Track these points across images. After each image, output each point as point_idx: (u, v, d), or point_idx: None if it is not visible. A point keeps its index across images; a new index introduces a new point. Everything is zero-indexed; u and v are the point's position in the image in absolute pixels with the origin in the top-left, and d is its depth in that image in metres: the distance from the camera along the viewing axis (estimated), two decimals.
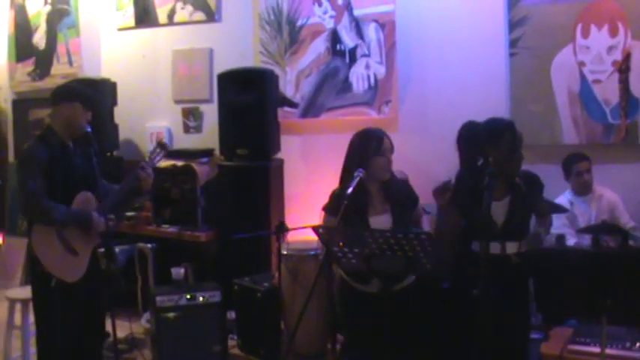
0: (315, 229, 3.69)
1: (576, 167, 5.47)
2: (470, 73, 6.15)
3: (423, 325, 4.13)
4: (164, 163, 6.08)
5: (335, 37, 6.59)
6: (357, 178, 3.99)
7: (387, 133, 4.25)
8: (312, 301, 5.20)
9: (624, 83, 5.72)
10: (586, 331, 4.18)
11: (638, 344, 4.10)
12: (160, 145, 4.75)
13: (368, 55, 6.47)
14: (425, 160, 6.04)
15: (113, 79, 7.41)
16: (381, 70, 6.43)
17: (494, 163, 4.00)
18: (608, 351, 3.77)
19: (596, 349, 3.64)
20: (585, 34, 5.77)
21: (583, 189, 5.49)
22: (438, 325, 4.44)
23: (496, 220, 3.99)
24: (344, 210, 3.85)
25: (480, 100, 6.04)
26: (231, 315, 5.93)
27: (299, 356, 5.55)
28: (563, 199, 5.46)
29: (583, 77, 5.81)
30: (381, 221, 4.10)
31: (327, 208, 4.20)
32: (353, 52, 6.54)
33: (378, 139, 4.13)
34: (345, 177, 4.14)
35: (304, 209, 5.99)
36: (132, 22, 7.70)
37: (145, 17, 7.61)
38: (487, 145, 4.07)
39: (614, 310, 3.24)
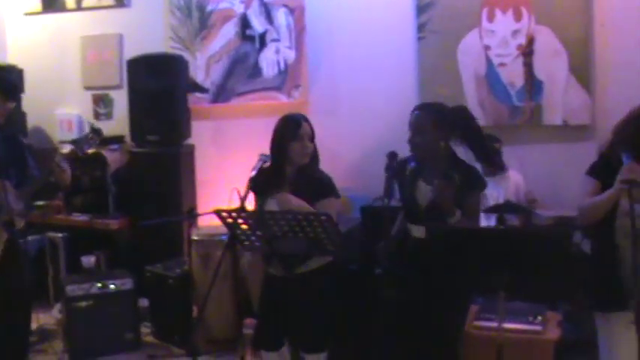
0: (217, 213, 3.68)
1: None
2: (379, 57, 6.20)
3: (330, 307, 4.15)
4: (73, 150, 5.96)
5: (245, 22, 6.56)
6: (260, 163, 3.99)
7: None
8: (224, 286, 5.24)
9: (529, 66, 5.86)
10: (491, 307, 4.30)
11: (538, 317, 4.24)
12: (94, 130, 4.66)
13: (278, 40, 6.47)
14: (335, 143, 6.05)
15: (20, 65, 7.22)
16: (290, 55, 6.44)
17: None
18: (509, 325, 3.88)
19: (497, 324, 3.72)
20: (490, 18, 5.89)
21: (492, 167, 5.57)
22: (347, 308, 4.48)
23: (421, 203, 4.00)
24: (246, 193, 3.85)
25: (390, 84, 6.11)
26: (144, 302, 5.87)
27: (213, 341, 5.52)
28: None
29: (489, 61, 5.93)
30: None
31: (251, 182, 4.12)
32: (263, 37, 6.53)
33: (296, 124, 4.12)
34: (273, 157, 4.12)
35: (216, 194, 5.95)
36: (39, 7, 7.51)
37: (52, 2, 7.43)
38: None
39: (515, 287, 3.31)
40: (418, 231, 3.98)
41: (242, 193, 3.88)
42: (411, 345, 3.92)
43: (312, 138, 4.14)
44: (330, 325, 4.11)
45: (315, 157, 4.18)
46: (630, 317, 3.30)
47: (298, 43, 6.41)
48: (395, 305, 3.82)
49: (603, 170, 3.50)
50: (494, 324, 3.93)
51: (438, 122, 3.95)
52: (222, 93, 6.66)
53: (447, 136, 3.96)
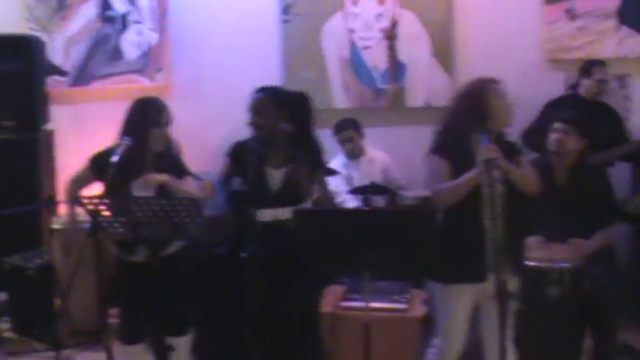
0: (79, 200, 3.55)
1: (343, 134, 5.62)
2: (244, 40, 6.15)
3: (191, 290, 4.10)
4: None
5: (105, 3, 6.35)
6: (124, 147, 3.86)
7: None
8: (87, 275, 5.07)
9: (392, 50, 5.96)
10: (357, 287, 4.35)
11: (403, 296, 4.33)
12: None
13: (140, 22, 6.30)
14: (199, 127, 5.98)
15: None
16: (153, 37, 6.28)
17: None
18: (375, 304, 3.94)
19: (364, 304, 3.76)
20: (355, 1, 5.94)
21: (353, 154, 5.65)
22: (213, 291, 4.44)
23: (272, 187, 4.00)
24: (111, 179, 3.73)
25: (254, 67, 6.06)
26: (2, 296, 5.62)
27: (77, 333, 5.35)
28: (337, 162, 5.60)
29: (353, 44, 5.98)
30: (146, 192, 3.99)
31: (94, 162, 4.05)
32: (124, 18, 6.34)
33: (158, 109, 4.02)
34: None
35: None
36: None
37: None
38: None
39: (381, 266, 3.35)
40: (268, 215, 3.96)
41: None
42: (274, 329, 3.92)
43: (170, 124, 4.07)
44: (193, 308, 4.06)
45: (170, 143, 4.12)
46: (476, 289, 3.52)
47: (161, 26, 6.26)
48: (257, 289, 3.80)
49: (450, 147, 3.56)
50: (360, 304, 4.00)
51: (278, 104, 3.96)
52: (82, 76, 6.42)
53: (287, 119, 3.98)
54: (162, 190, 3.97)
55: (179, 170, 4.10)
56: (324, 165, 4.14)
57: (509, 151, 3.60)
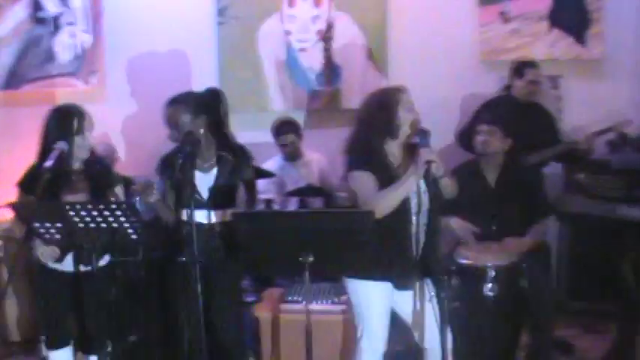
0: (12, 205, 3.47)
1: (282, 139, 5.60)
2: (179, 42, 6.09)
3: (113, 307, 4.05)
4: None
5: (36, 4, 6.21)
6: (58, 151, 3.77)
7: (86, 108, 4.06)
8: (20, 283, 4.97)
9: (328, 52, 5.98)
10: (297, 289, 4.35)
11: (342, 297, 4.33)
12: None
13: (73, 24, 6.18)
14: (135, 130, 5.91)
15: None
16: (87, 39, 6.17)
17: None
18: (315, 306, 3.95)
19: (304, 306, 3.76)
20: (291, 3, 5.94)
21: (291, 156, 5.64)
22: (151, 296, 4.40)
23: (201, 190, 3.98)
24: (44, 185, 3.64)
25: (190, 70, 6.01)
26: None
27: (10, 343, 5.24)
28: (273, 163, 5.59)
29: (289, 46, 5.98)
30: (77, 200, 3.90)
31: (22, 185, 3.93)
32: (57, 19, 6.21)
33: (80, 116, 3.93)
34: (43, 154, 3.88)
35: (3, 186, 5.62)
36: None
37: None
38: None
39: (320, 268, 3.36)
40: (201, 217, 3.95)
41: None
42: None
43: (92, 129, 4.01)
44: (113, 325, 3.99)
45: (95, 149, 4.09)
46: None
47: (95, 27, 6.15)
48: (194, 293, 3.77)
49: (371, 161, 3.55)
50: (300, 306, 4.01)
51: (194, 111, 3.95)
52: (12, 79, 6.26)
53: (206, 122, 3.98)
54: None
55: (107, 177, 4.03)
56: (251, 165, 4.13)
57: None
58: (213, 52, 6.07)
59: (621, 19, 6.18)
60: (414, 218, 3.49)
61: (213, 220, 4.00)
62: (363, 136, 3.59)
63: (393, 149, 3.58)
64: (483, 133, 4.50)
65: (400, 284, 3.56)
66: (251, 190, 4.12)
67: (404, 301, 3.59)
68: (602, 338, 5.16)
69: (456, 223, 4.48)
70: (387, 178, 3.48)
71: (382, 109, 3.54)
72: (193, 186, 3.92)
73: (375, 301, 3.59)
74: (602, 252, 5.33)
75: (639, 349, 4.34)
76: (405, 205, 3.48)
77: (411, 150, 3.53)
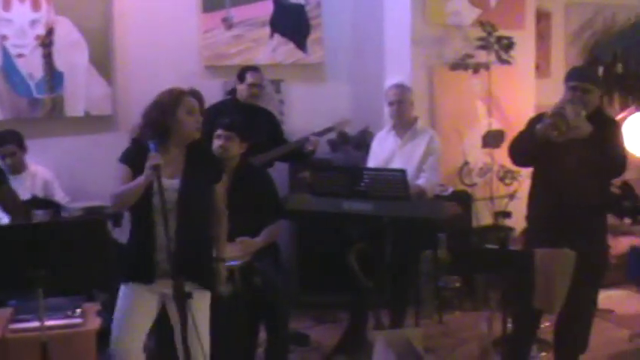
0: None
1: (4, 149, 5.29)
2: None
3: None
4: None
5: None
6: None
7: None
8: None
9: (48, 58, 5.75)
10: (28, 307, 4.15)
11: (77, 310, 4.22)
12: None
13: None
14: None
15: None
16: None
17: None
18: (50, 322, 3.80)
19: (37, 323, 3.62)
20: (7, 7, 5.62)
21: (13, 169, 5.35)
22: None
23: None
24: None
25: None
26: None
27: None
28: None
29: (6, 51, 5.65)
30: None
31: None
32: None
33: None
34: None
35: None
36: None
37: None
38: None
39: (52, 282, 3.25)
40: None
41: None
42: None
43: None
44: None
45: None
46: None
47: None
48: None
49: (134, 156, 3.58)
50: (33, 324, 3.84)
51: None
52: None
53: None
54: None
55: None
56: None
57: None
58: None
59: (338, 25, 6.58)
60: (159, 218, 3.48)
61: None
62: (141, 131, 3.62)
63: (172, 149, 3.61)
64: (221, 138, 4.57)
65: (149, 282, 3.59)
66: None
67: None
68: (334, 327, 5.48)
69: None
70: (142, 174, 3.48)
71: (160, 108, 3.56)
72: None
73: (126, 303, 3.60)
74: (330, 246, 5.64)
75: (370, 335, 4.62)
76: (147, 205, 3.49)
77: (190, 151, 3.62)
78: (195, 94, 3.75)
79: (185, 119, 3.59)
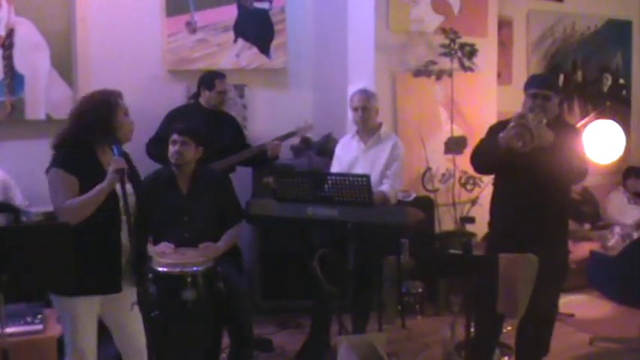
0: None
1: None
2: None
3: None
4: None
5: None
6: None
7: None
8: None
9: (9, 59, 5.66)
10: None
11: (38, 317, 4.17)
12: None
13: None
14: None
15: None
16: None
17: None
18: (10, 329, 3.75)
19: None
20: None
21: None
22: None
23: None
24: None
25: None
26: None
27: None
28: None
29: None
30: None
31: None
32: None
33: None
34: None
35: None
36: None
37: None
38: None
39: (12, 288, 3.20)
40: None
41: None
42: None
43: None
44: None
45: None
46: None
47: None
48: None
49: (77, 162, 3.49)
50: None
51: None
52: None
53: None
54: None
55: None
56: None
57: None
58: None
59: (302, 31, 6.59)
60: (123, 223, 3.44)
61: None
62: (77, 136, 3.50)
63: (108, 152, 3.54)
64: (177, 143, 4.55)
65: (108, 292, 3.52)
66: None
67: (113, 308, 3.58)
68: (297, 332, 5.48)
69: (153, 251, 4.37)
70: (92, 180, 3.41)
71: (101, 109, 3.48)
72: None
73: (82, 317, 3.50)
74: (293, 252, 5.64)
75: (333, 340, 4.63)
76: (111, 211, 3.45)
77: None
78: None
79: (124, 120, 3.56)
